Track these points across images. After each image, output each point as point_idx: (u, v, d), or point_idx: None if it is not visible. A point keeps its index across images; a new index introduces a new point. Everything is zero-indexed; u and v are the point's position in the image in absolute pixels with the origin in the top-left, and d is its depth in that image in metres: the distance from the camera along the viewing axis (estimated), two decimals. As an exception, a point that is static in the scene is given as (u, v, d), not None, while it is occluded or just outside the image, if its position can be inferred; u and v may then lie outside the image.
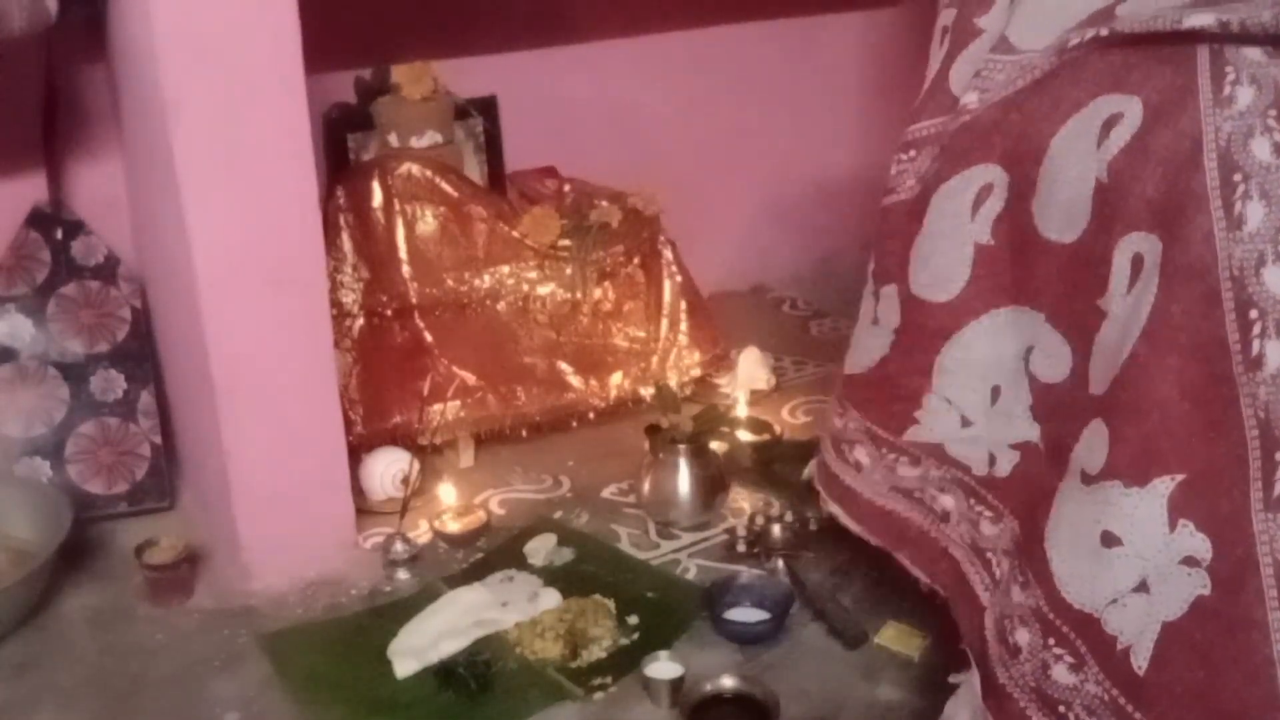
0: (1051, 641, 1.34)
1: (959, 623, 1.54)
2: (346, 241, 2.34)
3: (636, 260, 2.54)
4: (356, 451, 2.23)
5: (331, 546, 2.08)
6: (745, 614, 1.91)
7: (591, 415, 2.50)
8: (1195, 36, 1.34)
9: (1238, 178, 1.26)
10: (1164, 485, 1.25)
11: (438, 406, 2.33)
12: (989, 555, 1.52)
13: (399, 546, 2.08)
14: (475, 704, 1.75)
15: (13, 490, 2.14)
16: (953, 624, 1.60)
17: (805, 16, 3.13)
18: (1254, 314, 1.22)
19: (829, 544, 2.02)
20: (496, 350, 2.42)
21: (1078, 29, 1.49)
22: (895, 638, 1.84)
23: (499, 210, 2.44)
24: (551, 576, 2.03)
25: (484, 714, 1.74)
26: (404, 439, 2.31)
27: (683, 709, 1.71)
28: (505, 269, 2.41)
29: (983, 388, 1.57)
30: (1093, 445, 1.32)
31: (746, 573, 1.99)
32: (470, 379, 2.38)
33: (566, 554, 2.11)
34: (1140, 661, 1.26)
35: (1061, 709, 1.32)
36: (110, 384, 2.25)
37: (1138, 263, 1.32)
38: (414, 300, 2.35)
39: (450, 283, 2.38)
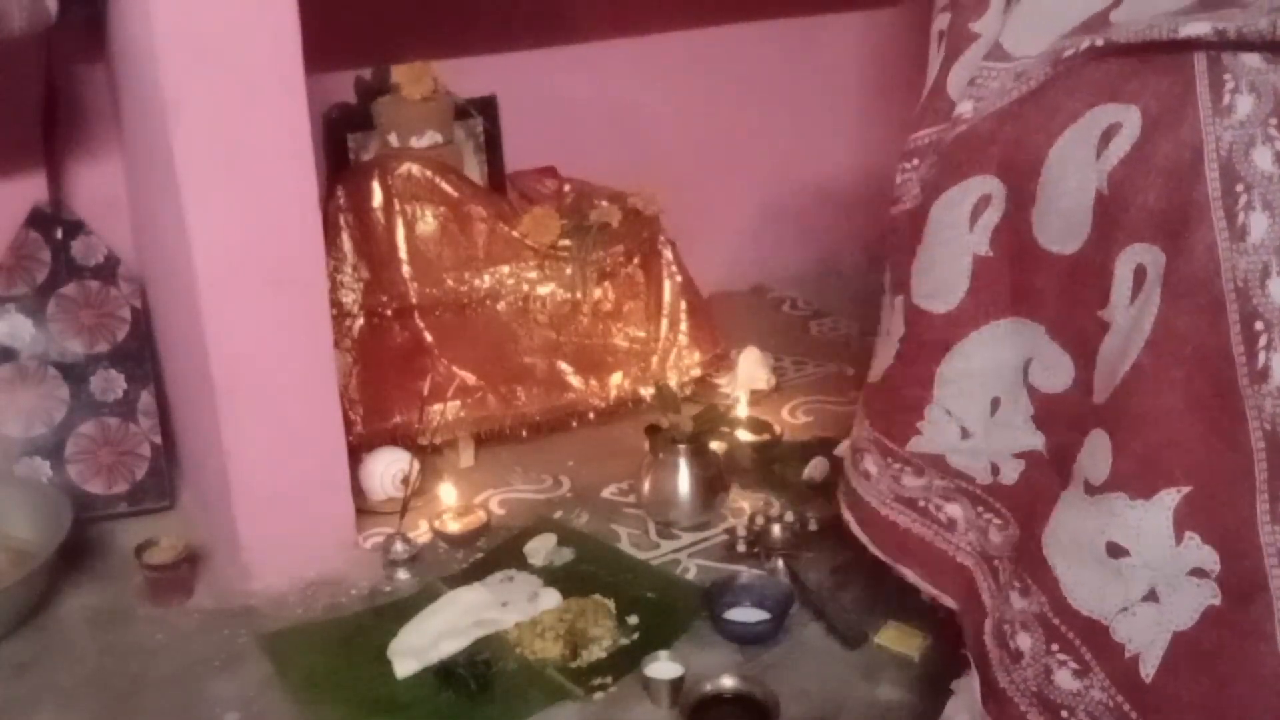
0: (1055, 647, 1.34)
1: (964, 629, 1.53)
2: (346, 241, 2.34)
3: (636, 260, 2.54)
4: (356, 451, 2.23)
5: (331, 546, 2.08)
6: (745, 614, 1.91)
7: (591, 415, 2.50)
8: (1192, 44, 1.33)
9: (1240, 188, 1.25)
10: (1170, 498, 1.25)
11: (438, 406, 2.33)
12: (996, 563, 1.52)
13: (399, 546, 2.08)
14: (475, 704, 1.75)
15: (13, 490, 2.14)
16: (953, 625, 1.60)
17: (805, 16, 3.13)
18: (1259, 326, 1.22)
19: (829, 544, 2.02)
20: (496, 350, 2.42)
21: (1072, 37, 1.48)
22: (895, 638, 1.84)
23: (499, 210, 2.44)
24: (551, 576, 2.03)
25: (484, 714, 1.74)
26: (404, 439, 2.31)
27: (683, 709, 1.71)
28: (505, 269, 2.42)
29: (982, 399, 1.56)
30: (1095, 455, 1.31)
31: (746, 573, 1.99)
32: (470, 379, 2.39)
33: (566, 554, 2.11)
34: (1148, 670, 1.26)
35: (1064, 714, 1.32)
36: (110, 384, 2.25)
37: (1140, 274, 1.31)
38: (414, 300, 2.35)
39: (450, 283, 2.38)
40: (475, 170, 2.60)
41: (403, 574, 2.07)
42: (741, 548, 2.07)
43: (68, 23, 1.94)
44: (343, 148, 2.50)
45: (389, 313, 2.35)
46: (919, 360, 1.61)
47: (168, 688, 1.81)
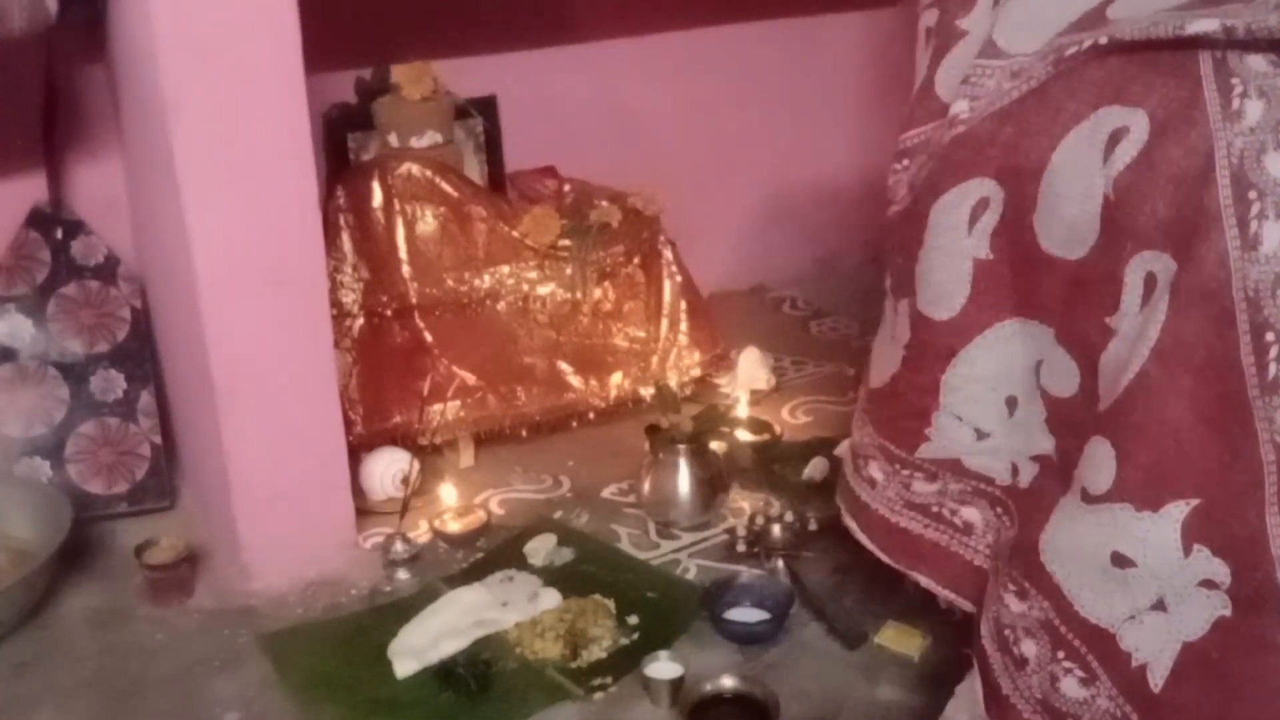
0: (1061, 654, 1.33)
1: (976, 631, 1.52)
2: (346, 241, 2.34)
3: (636, 260, 2.54)
4: (356, 451, 2.23)
5: (331, 546, 2.08)
6: (745, 614, 1.91)
7: (591, 415, 2.50)
8: (1196, 43, 1.31)
9: (1252, 195, 1.23)
10: (1178, 510, 1.24)
11: (438, 406, 2.33)
12: (996, 563, 1.51)
13: (399, 546, 2.08)
14: (475, 704, 1.75)
15: (13, 490, 2.14)
16: (953, 625, 1.60)
17: (805, 16, 3.13)
18: (1270, 336, 1.20)
19: (829, 544, 2.01)
20: (496, 350, 2.42)
21: (1070, 34, 1.46)
22: (895, 638, 1.84)
23: (499, 210, 2.44)
24: (551, 576, 2.03)
25: (484, 714, 1.74)
26: (404, 439, 2.31)
27: (683, 709, 1.71)
28: (505, 269, 2.42)
29: (995, 399, 1.55)
30: (1097, 464, 1.30)
31: (746, 573, 1.99)
32: (470, 379, 2.38)
33: (566, 554, 2.11)
34: (1157, 680, 1.25)
35: None
36: (110, 384, 2.25)
37: (1150, 282, 1.30)
38: (414, 300, 2.35)
39: (450, 283, 2.38)
40: (475, 170, 2.60)
41: (403, 574, 2.06)
42: (741, 548, 2.07)
43: (68, 23, 1.94)
44: (343, 148, 2.50)
45: (389, 313, 2.35)
46: (924, 367, 1.59)
47: (168, 688, 1.81)
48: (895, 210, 1.65)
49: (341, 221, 2.34)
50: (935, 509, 1.62)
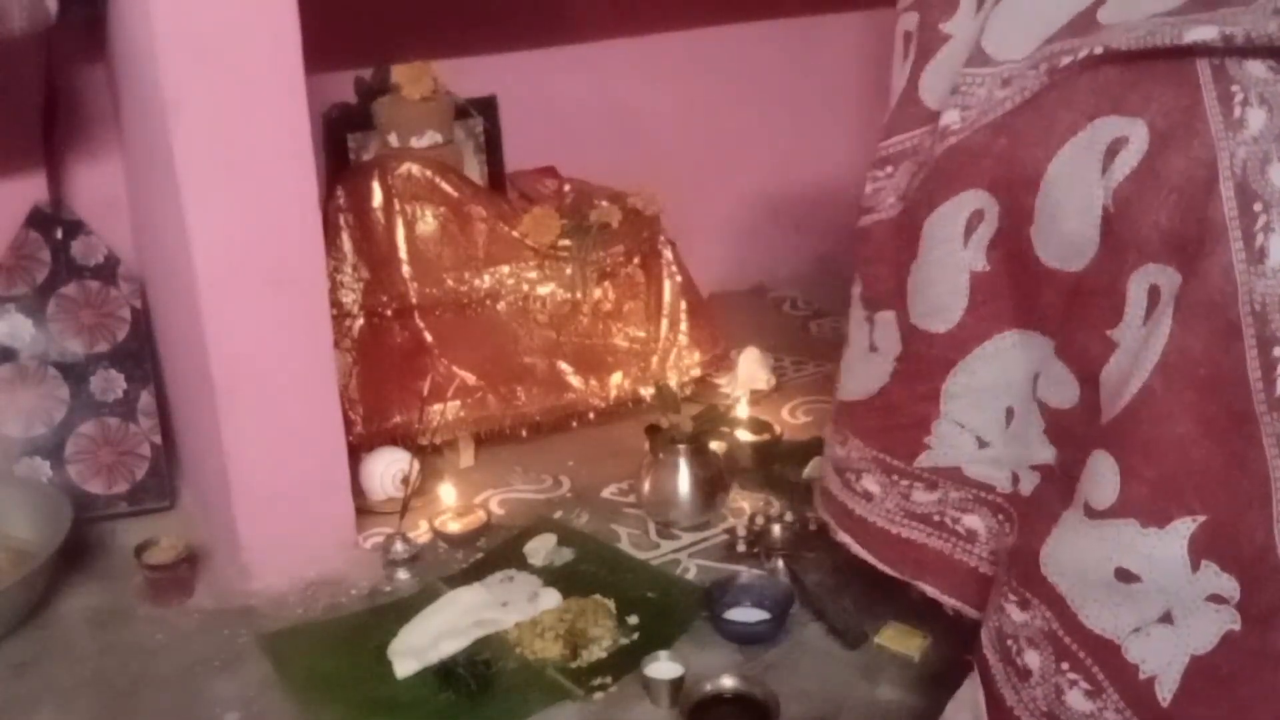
0: (1065, 666, 1.31)
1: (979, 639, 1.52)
2: (346, 241, 2.34)
3: (636, 260, 2.54)
4: (356, 451, 2.23)
5: (331, 546, 2.08)
6: (745, 614, 1.91)
7: (591, 415, 2.50)
8: (1194, 50, 1.29)
9: (1258, 207, 1.21)
10: (1185, 526, 1.22)
11: (438, 406, 2.33)
12: (998, 570, 1.50)
13: (399, 546, 2.08)
14: (475, 704, 1.75)
15: (13, 490, 2.14)
16: (953, 625, 1.60)
17: (805, 16, 3.13)
18: (1278, 351, 1.19)
19: (829, 544, 2.00)
20: (496, 350, 2.42)
21: (1061, 39, 1.43)
22: (895, 638, 1.84)
23: (499, 210, 2.44)
24: (551, 576, 2.03)
25: (484, 714, 1.74)
26: (404, 439, 2.31)
27: (683, 709, 1.71)
28: (505, 269, 2.41)
29: (995, 409, 1.54)
30: (1100, 478, 1.28)
31: (746, 573, 1.99)
32: (470, 379, 2.38)
33: (566, 554, 2.10)
34: (1165, 693, 1.24)
35: None
36: (110, 384, 2.25)
37: (1154, 294, 1.28)
38: (414, 300, 2.35)
39: (450, 283, 2.38)
40: (475, 170, 2.60)
41: (403, 574, 2.06)
42: (741, 548, 2.07)
43: (68, 23, 1.94)
44: (343, 148, 2.50)
45: (389, 313, 2.35)
46: (921, 378, 1.58)
47: (168, 688, 1.81)
48: (876, 219, 1.62)
49: (341, 221, 2.34)
50: (937, 518, 1.61)
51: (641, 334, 2.55)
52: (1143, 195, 1.29)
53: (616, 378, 2.51)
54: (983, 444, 1.56)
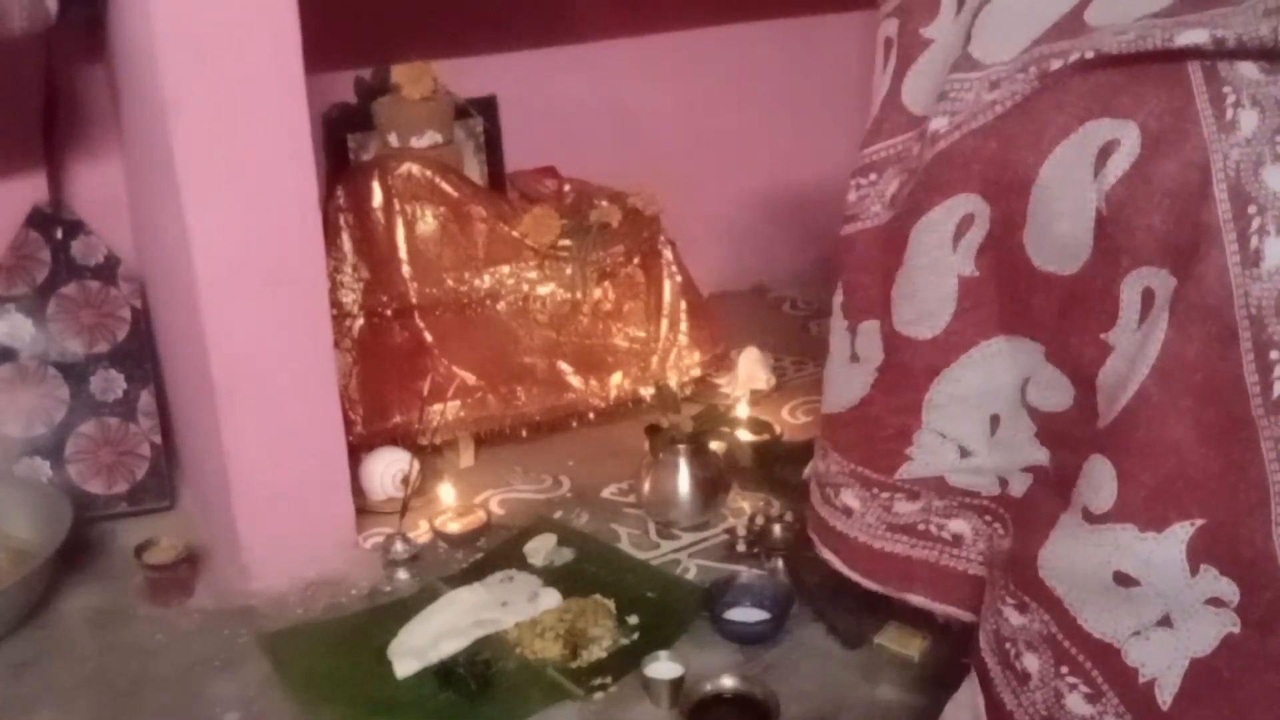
0: (1065, 670, 1.31)
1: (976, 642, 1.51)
2: (346, 241, 2.34)
3: (636, 260, 2.54)
4: (356, 451, 2.23)
5: (331, 546, 2.08)
6: (745, 614, 1.91)
7: (591, 415, 2.50)
8: (1185, 51, 1.28)
9: (1252, 210, 1.20)
10: (1183, 530, 1.22)
11: (438, 406, 2.33)
12: (994, 572, 1.49)
13: (399, 546, 2.08)
14: (475, 704, 1.75)
15: (13, 490, 2.14)
16: (953, 625, 1.59)
17: (805, 16, 3.13)
18: (1274, 355, 1.19)
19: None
20: (496, 350, 2.42)
21: (1049, 41, 1.42)
22: (895, 638, 1.84)
23: (499, 210, 2.44)
24: (551, 576, 2.03)
25: (484, 714, 1.74)
26: (404, 439, 2.31)
27: (683, 709, 1.71)
28: (505, 269, 2.42)
29: (979, 418, 1.53)
30: (1097, 483, 1.28)
31: (746, 573, 1.99)
32: (470, 379, 2.38)
33: (566, 554, 2.10)
34: (1165, 697, 1.24)
35: None
36: (110, 384, 2.25)
37: (1148, 297, 1.28)
38: (414, 300, 2.35)
39: (450, 283, 2.38)
40: (475, 170, 2.60)
41: (403, 574, 2.06)
42: (741, 548, 2.07)
43: (68, 23, 1.94)
44: (343, 148, 2.50)
45: (389, 313, 2.35)
46: (903, 388, 1.56)
47: (168, 688, 1.81)
48: (861, 227, 1.60)
49: (341, 221, 2.34)
50: (921, 526, 1.60)
51: (641, 334, 2.55)
52: (1135, 198, 1.28)
53: (616, 378, 2.51)
54: (965, 453, 1.55)
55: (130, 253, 2.33)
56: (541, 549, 2.10)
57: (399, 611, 1.94)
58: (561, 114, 2.84)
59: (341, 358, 2.28)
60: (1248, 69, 1.26)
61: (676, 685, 1.73)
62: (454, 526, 2.17)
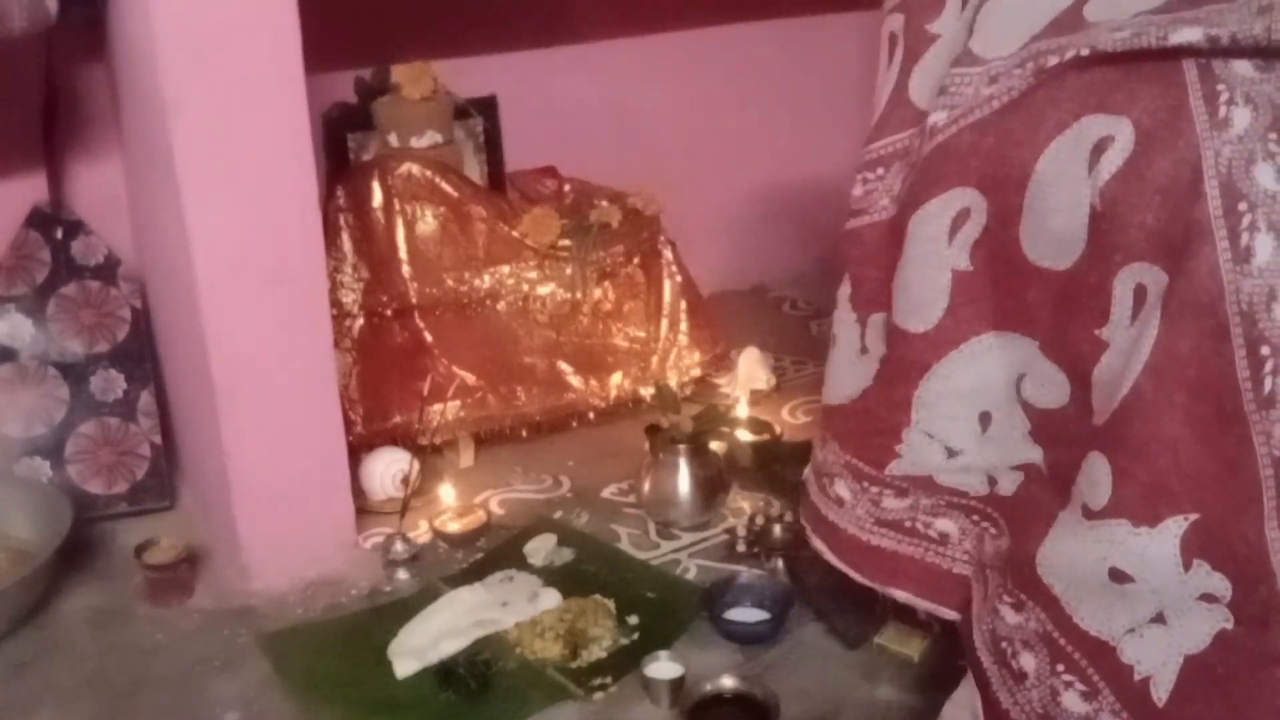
0: (1061, 668, 1.32)
1: (963, 640, 1.51)
2: (346, 241, 2.34)
3: (636, 260, 2.54)
4: (356, 451, 2.23)
5: (331, 546, 2.08)
6: (745, 614, 1.91)
7: (591, 415, 2.50)
8: (1180, 49, 1.28)
9: (1243, 207, 1.21)
10: (1176, 525, 1.23)
11: (438, 406, 2.33)
12: (987, 572, 1.50)
13: (399, 546, 2.08)
14: (475, 704, 1.75)
15: (13, 490, 2.14)
16: (953, 626, 1.59)
17: (805, 16, 3.13)
18: (1265, 350, 1.19)
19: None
20: (496, 350, 2.42)
21: (1048, 37, 1.42)
22: (895, 638, 1.84)
23: (499, 210, 2.44)
24: (551, 576, 2.03)
25: (484, 714, 1.74)
26: (404, 439, 2.31)
27: (683, 709, 1.71)
28: (505, 269, 2.42)
29: (968, 416, 1.53)
30: (1095, 480, 1.29)
31: (746, 573, 1.99)
32: (470, 379, 2.38)
33: (566, 554, 2.10)
34: (1161, 693, 1.24)
35: None
36: (110, 384, 2.25)
37: (1140, 294, 1.28)
38: (414, 300, 2.35)
39: (450, 283, 2.38)
40: (475, 170, 2.60)
41: (403, 574, 2.06)
42: (741, 548, 2.07)
43: (68, 23, 1.94)
44: (343, 148, 2.50)
45: (389, 313, 2.35)
46: (897, 383, 1.57)
47: (168, 688, 1.81)
48: (869, 221, 1.61)
49: (341, 221, 2.34)
50: (908, 524, 1.60)
51: (641, 334, 2.55)
52: (1128, 195, 1.29)
53: (616, 378, 2.51)
54: (952, 454, 1.55)
55: (130, 253, 2.33)
56: (541, 549, 2.10)
57: (399, 611, 1.94)
58: (561, 114, 2.84)
59: (341, 358, 2.28)
60: (1242, 67, 1.27)
61: (676, 685, 1.73)
62: (454, 526, 2.17)
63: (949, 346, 1.52)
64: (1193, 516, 1.23)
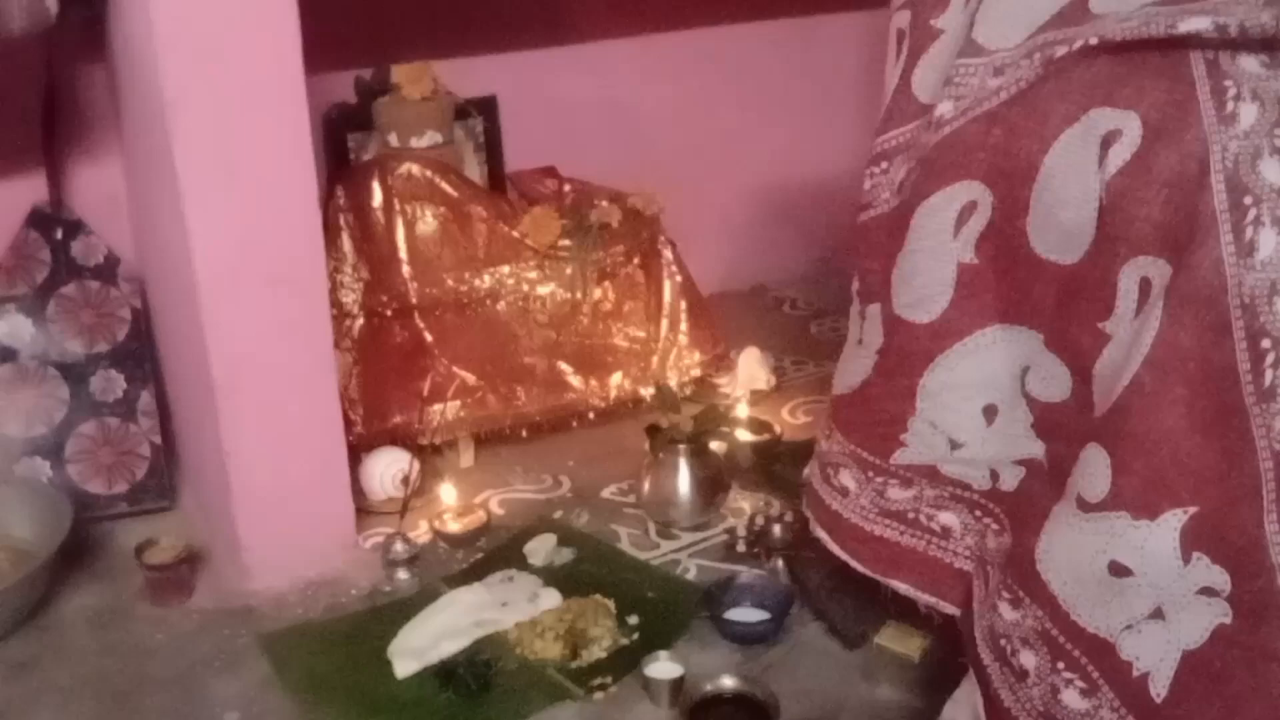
0: (1061, 665, 1.32)
1: (964, 635, 1.51)
2: (346, 241, 2.34)
3: (636, 260, 2.54)
4: (356, 451, 2.23)
5: (331, 546, 2.08)
6: (745, 614, 1.91)
7: (591, 415, 2.50)
8: (1188, 43, 1.29)
9: (1248, 201, 1.22)
10: (1175, 518, 1.23)
11: (438, 406, 2.33)
12: (988, 569, 1.50)
13: (399, 546, 2.08)
14: (475, 704, 1.75)
15: (13, 490, 2.14)
16: (953, 625, 1.60)
17: (805, 16, 3.13)
18: (1266, 344, 1.20)
19: (829, 544, 2.01)
20: (496, 350, 2.42)
21: (1054, 28, 1.43)
22: (895, 638, 1.84)
23: (499, 210, 2.44)
24: (551, 576, 2.03)
25: (484, 714, 1.74)
26: (404, 439, 2.31)
27: (683, 709, 1.71)
28: (505, 269, 2.41)
29: (972, 409, 1.53)
30: (1092, 472, 1.29)
31: (746, 573, 1.99)
32: (470, 379, 2.38)
33: (566, 554, 2.11)
34: (1159, 689, 1.24)
35: None
36: (110, 384, 2.25)
37: (1145, 287, 1.29)
38: (414, 300, 2.35)
39: (450, 283, 2.38)
40: (475, 170, 2.60)
41: (403, 574, 2.06)
42: (741, 548, 2.07)
43: (68, 23, 1.94)
44: (343, 148, 2.50)
45: (389, 313, 2.35)
46: (899, 373, 1.57)
47: (168, 688, 1.81)
48: (873, 215, 1.62)
49: (341, 221, 2.34)
50: (911, 515, 1.61)
51: (641, 334, 2.55)
52: (1135, 188, 1.30)
53: (616, 378, 2.51)
54: (956, 445, 1.56)
55: (130, 253, 2.33)
56: (541, 549, 2.10)
57: (399, 611, 1.94)
58: (561, 114, 2.84)
59: (341, 358, 2.28)
60: (1249, 63, 1.27)
61: (676, 685, 1.74)
62: (454, 526, 2.17)
63: (953, 338, 1.52)
64: (1192, 509, 1.23)
